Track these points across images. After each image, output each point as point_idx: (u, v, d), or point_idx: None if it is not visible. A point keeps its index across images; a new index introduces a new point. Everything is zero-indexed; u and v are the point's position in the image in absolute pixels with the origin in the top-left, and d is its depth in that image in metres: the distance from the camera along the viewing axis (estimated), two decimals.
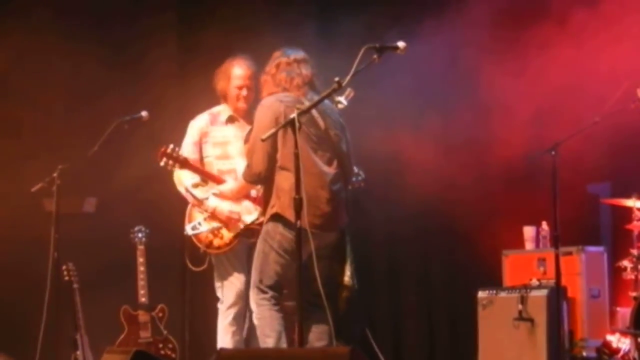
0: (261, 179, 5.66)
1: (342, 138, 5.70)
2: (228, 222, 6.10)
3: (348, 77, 5.03)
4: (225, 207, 6.10)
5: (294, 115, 5.21)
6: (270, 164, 5.58)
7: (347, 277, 5.65)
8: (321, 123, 5.61)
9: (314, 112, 5.56)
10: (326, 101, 5.61)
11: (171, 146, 6.13)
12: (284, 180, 5.53)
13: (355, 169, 6.40)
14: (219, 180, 6.16)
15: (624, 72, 6.69)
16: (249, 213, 6.11)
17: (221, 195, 6.11)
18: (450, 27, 7.67)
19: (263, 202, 5.78)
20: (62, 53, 8.11)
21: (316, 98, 5.56)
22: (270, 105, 5.63)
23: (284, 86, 5.69)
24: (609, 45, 7.03)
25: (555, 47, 7.40)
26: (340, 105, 5.20)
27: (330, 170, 5.62)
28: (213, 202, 6.13)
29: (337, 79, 5.06)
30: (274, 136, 5.46)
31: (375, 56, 5.09)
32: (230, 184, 6.09)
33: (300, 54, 5.79)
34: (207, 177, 6.22)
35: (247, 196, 6.11)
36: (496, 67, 7.51)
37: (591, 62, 7.02)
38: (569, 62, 7.18)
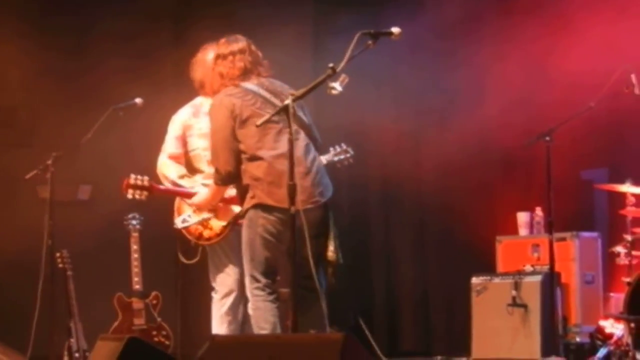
0: (232, 178, 5.62)
1: (299, 110, 5.59)
2: (217, 210, 6.07)
3: (342, 63, 5.02)
4: None
5: (288, 101, 5.20)
6: (237, 161, 5.56)
7: (331, 252, 5.61)
8: (277, 101, 5.57)
9: (265, 94, 5.58)
10: (274, 80, 5.68)
11: (133, 176, 6.00)
12: (256, 169, 5.51)
13: (344, 145, 6.39)
14: (190, 195, 6.04)
15: (618, 57, 6.68)
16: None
17: (197, 207, 6.00)
18: (444, 9, 7.68)
19: (239, 197, 5.71)
20: (56, 40, 8.10)
21: (258, 82, 5.63)
22: (221, 102, 5.63)
23: (220, 82, 5.72)
24: (605, 30, 7.04)
25: (551, 34, 7.40)
26: (334, 91, 5.15)
27: (300, 144, 5.55)
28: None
29: (331, 64, 5.05)
30: (232, 132, 5.52)
31: (369, 42, 5.08)
32: (202, 194, 5.97)
33: (236, 46, 5.76)
34: (176, 195, 6.15)
35: (223, 199, 6.01)
36: (492, 54, 7.51)
37: (587, 47, 7.02)
38: (565, 48, 7.18)
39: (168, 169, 6.20)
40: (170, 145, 6.24)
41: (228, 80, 5.70)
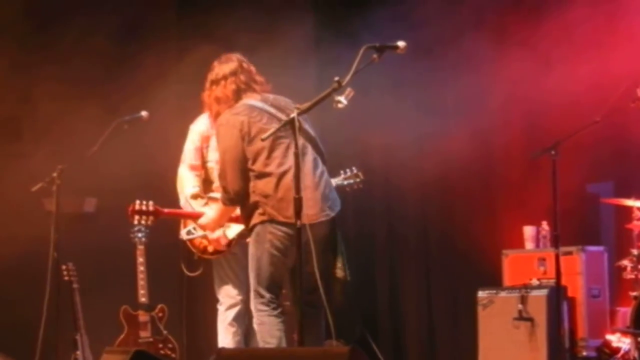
0: (239, 198, 5.60)
1: (305, 123, 5.59)
2: (214, 243, 6.05)
3: (348, 77, 5.03)
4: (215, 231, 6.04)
5: (293, 115, 5.21)
6: (245, 181, 5.55)
7: (338, 269, 5.60)
8: (282, 116, 5.56)
9: (271, 110, 5.60)
10: (279, 96, 5.70)
11: (137, 201, 6.02)
12: (265, 185, 5.50)
13: (355, 169, 6.39)
14: (197, 215, 6.01)
15: (623, 71, 6.69)
16: (228, 227, 6.03)
17: (205, 228, 5.97)
18: (454, 17, 7.67)
19: (243, 217, 5.66)
20: (62, 52, 8.11)
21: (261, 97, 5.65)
22: (228, 122, 5.63)
23: (218, 107, 5.76)
24: (610, 43, 7.04)
25: (556, 47, 7.40)
26: (340, 105, 5.16)
27: (308, 158, 5.56)
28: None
29: (337, 78, 5.06)
30: (242, 151, 5.51)
31: (375, 55, 5.09)
32: (209, 215, 5.93)
33: (227, 68, 5.79)
34: (182, 217, 6.15)
35: (230, 219, 5.96)
36: (497, 67, 7.51)
37: (592, 61, 7.02)
38: (570, 61, 7.18)
39: (183, 184, 6.19)
40: (190, 156, 6.23)
41: (224, 104, 5.73)
